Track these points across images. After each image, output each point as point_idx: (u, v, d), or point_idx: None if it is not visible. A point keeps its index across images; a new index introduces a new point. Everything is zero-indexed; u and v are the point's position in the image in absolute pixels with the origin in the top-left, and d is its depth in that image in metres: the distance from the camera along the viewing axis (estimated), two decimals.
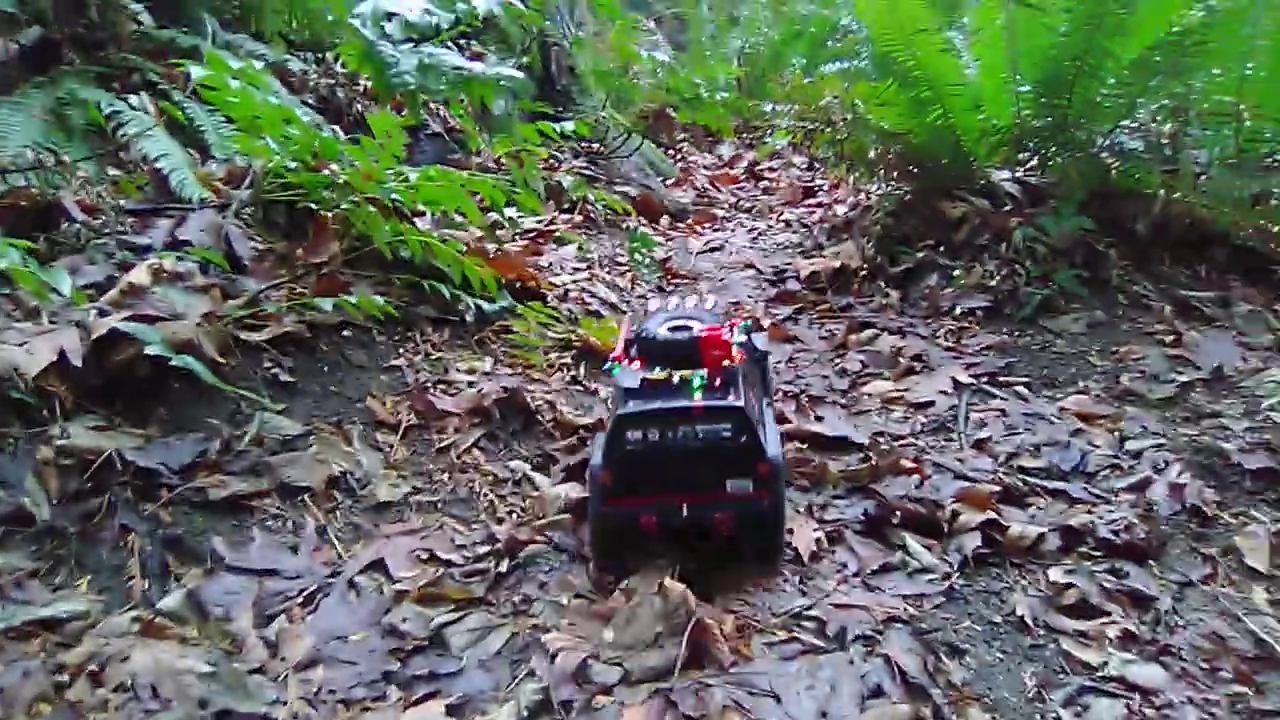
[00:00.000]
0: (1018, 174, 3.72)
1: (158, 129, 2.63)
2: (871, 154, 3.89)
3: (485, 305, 2.66)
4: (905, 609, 1.78)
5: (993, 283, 3.20)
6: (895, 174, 3.94)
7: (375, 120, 2.38)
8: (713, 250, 4.14)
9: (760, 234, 4.42)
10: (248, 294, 2.29)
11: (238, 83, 2.23)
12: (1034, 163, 3.73)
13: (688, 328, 2.00)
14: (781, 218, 4.64)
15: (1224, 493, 2.20)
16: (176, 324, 2.02)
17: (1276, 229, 3.12)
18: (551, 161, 4.56)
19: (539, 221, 3.67)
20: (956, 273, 3.31)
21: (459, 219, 2.90)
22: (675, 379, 1.88)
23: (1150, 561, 1.96)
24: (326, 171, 2.50)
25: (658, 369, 1.91)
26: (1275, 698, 1.62)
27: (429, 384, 2.35)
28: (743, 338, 2.05)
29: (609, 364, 2.00)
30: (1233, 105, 3.22)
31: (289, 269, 2.46)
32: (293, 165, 2.46)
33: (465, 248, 2.71)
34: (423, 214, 2.85)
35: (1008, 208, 3.50)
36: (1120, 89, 3.33)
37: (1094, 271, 3.17)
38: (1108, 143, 3.52)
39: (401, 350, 2.46)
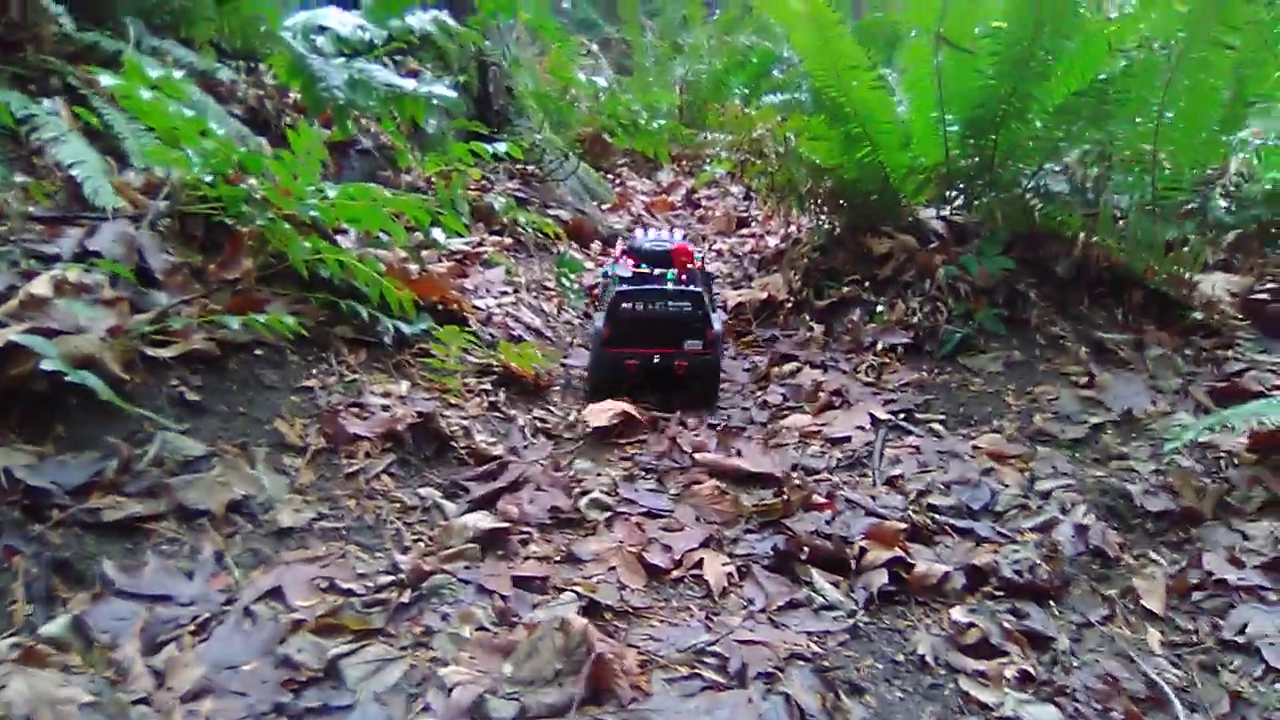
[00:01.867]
0: (945, 212, 3.78)
1: (72, 135, 2.55)
2: (803, 187, 3.93)
3: (405, 327, 2.63)
4: (809, 646, 1.79)
5: (915, 320, 3.24)
6: (825, 208, 3.98)
7: (296, 136, 2.34)
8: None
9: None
10: (157, 309, 2.23)
11: (151, 92, 2.19)
12: (960, 201, 3.79)
13: (665, 243, 3.08)
14: (714, 247, 4.66)
15: (1127, 534, 2.25)
16: (78, 338, 1.95)
17: (1187, 275, 3.20)
18: (484, 182, 4.53)
19: (467, 243, 3.64)
20: (880, 309, 3.34)
21: (384, 238, 2.87)
22: (655, 273, 2.94)
23: (1051, 602, 1.99)
24: (244, 186, 2.45)
25: (644, 266, 2.96)
26: None
27: (341, 406, 2.30)
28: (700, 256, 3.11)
29: (610, 264, 3.10)
30: (1150, 153, 3.31)
31: (203, 284, 2.41)
32: (210, 178, 2.41)
33: (386, 268, 2.68)
34: (345, 232, 2.80)
35: (934, 245, 3.55)
36: (1045, 132, 3.41)
37: (1014, 311, 3.23)
38: (1032, 184, 3.59)
39: (315, 371, 2.41)
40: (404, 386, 2.49)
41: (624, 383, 2.86)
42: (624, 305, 2.80)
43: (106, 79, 2.16)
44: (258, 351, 2.36)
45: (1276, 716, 1.70)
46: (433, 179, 3.74)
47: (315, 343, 2.48)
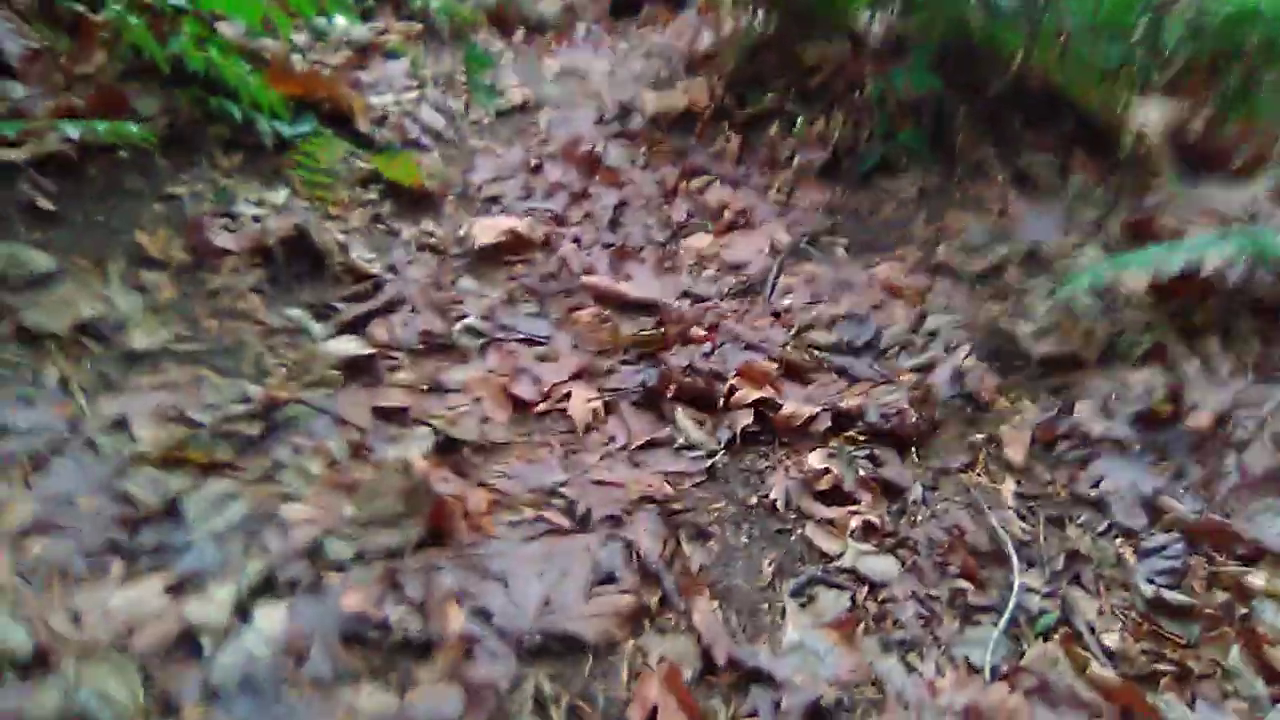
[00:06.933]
0: (885, 19, 3.57)
1: None
2: None
3: (286, 129, 2.47)
4: (662, 488, 1.79)
5: (835, 135, 3.12)
6: (763, 6, 3.75)
7: None
8: (567, 74, 3.91)
9: (623, 55, 4.20)
10: (9, 103, 2.08)
11: None
12: (901, 7, 3.58)
13: None
14: (647, 40, 4.41)
15: (1007, 377, 2.24)
16: None
17: (1121, 103, 3.08)
18: None
19: (372, 29, 3.40)
20: (799, 121, 3.20)
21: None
22: None
23: (915, 448, 2.00)
24: None
25: None
26: (995, 592, 1.70)
27: (208, 216, 2.18)
28: None
29: None
30: None
31: (65, 76, 2.24)
32: None
33: (271, 62, 2.50)
34: (224, 18, 2.60)
35: (867, 56, 3.38)
36: None
37: (940, 132, 3.11)
38: None
39: (184, 176, 2.28)
40: (282, 195, 2.35)
41: None
42: None
43: None
44: (122, 154, 2.22)
45: (1108, 573, 1.75)
46: None
47: (187, 144, 2.34)
